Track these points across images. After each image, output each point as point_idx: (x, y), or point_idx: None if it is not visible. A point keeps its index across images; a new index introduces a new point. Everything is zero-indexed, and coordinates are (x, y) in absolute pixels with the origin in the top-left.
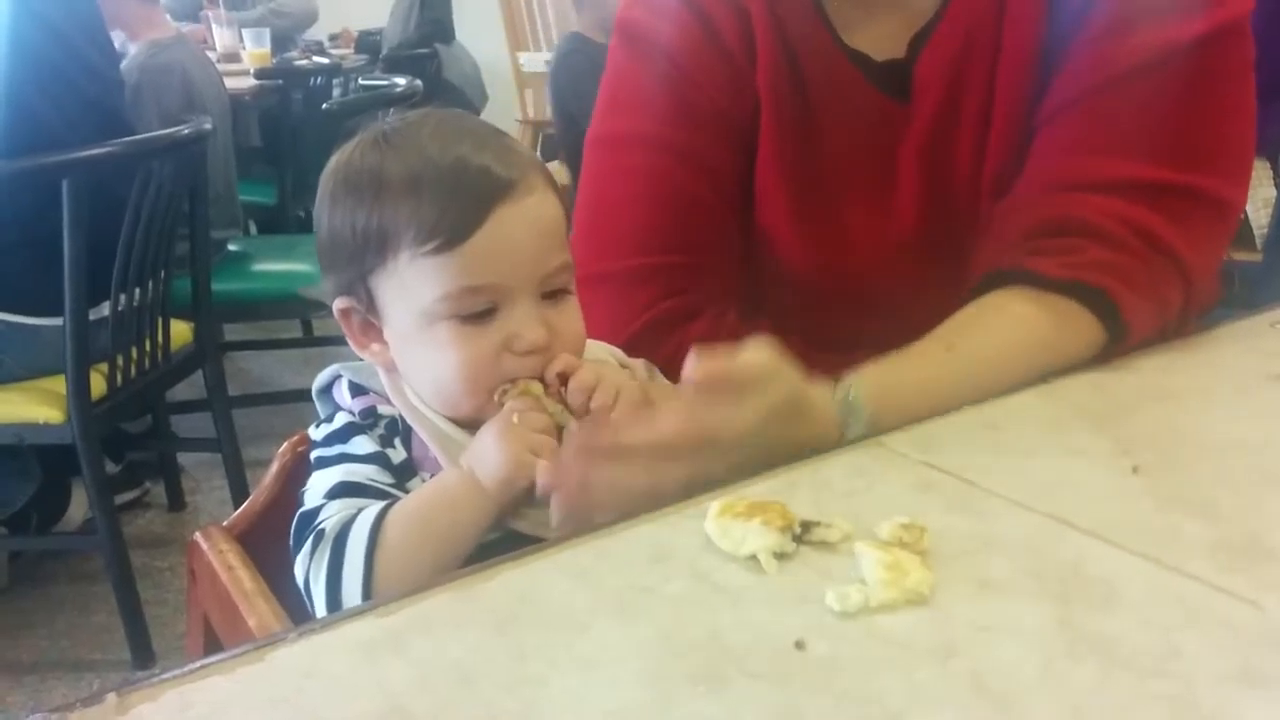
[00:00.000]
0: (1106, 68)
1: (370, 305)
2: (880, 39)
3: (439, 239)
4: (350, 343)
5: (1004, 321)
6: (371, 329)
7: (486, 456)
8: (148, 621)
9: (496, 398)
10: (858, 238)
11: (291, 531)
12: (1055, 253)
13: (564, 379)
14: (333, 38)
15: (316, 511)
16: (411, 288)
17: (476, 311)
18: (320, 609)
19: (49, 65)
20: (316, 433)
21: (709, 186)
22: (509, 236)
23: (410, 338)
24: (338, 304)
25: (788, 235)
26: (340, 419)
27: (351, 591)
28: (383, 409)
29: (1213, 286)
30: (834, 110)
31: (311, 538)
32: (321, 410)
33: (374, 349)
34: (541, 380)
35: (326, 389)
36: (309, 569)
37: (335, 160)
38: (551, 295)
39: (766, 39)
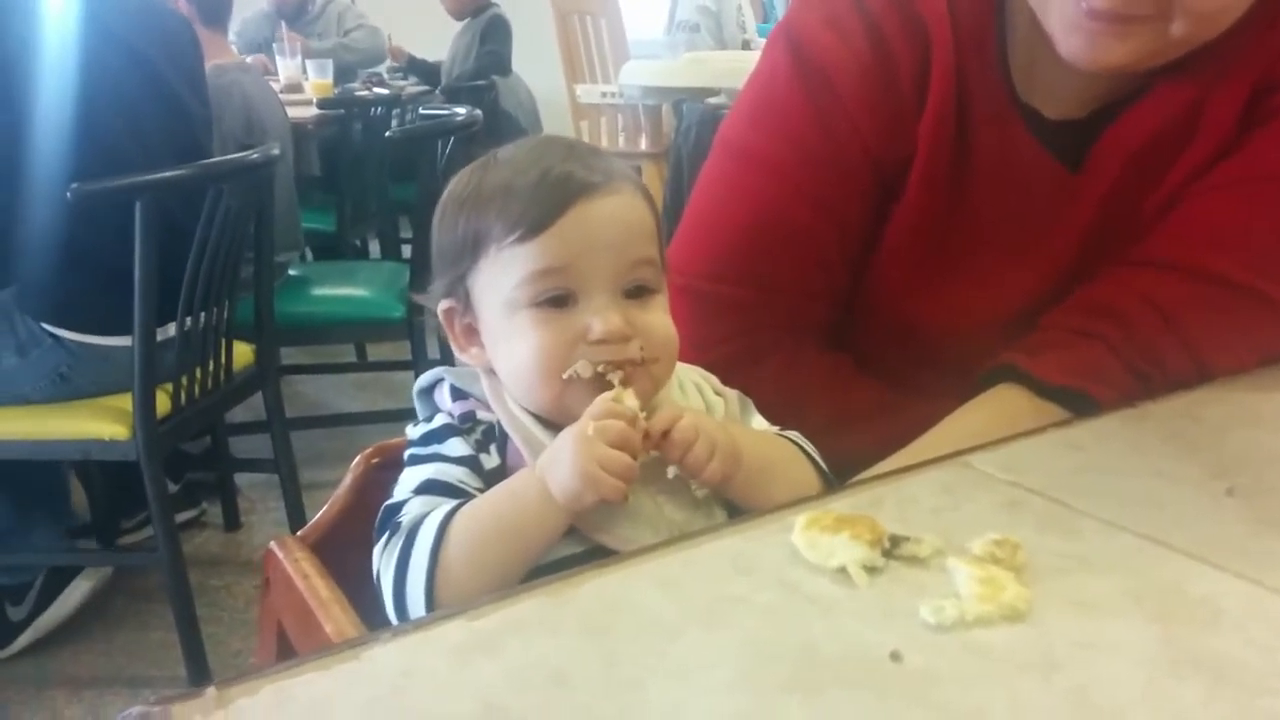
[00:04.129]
0: (1250, 165)
1: (467, 305)
2: (1061, 100)
3: (520, 230)
4: (453, 347)
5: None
6: (472, 333)
7: (558, 466)
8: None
9: (565, 375)
10: (987, 301)
11: (376, 522)
12: (1053, 349)
13: (665, 433)
14: (392, 70)
15: (401, 505)
16: (497, 279)
17: (552, 297)
18: (387, 600)
19: (128, 91)
20: (414, 431)
21: (827, 226)
22: (587, 228)
23: (497, 331)
24: (441, 305)
25: (909, 288)
26: (439, 420)
27: (415, 584)
28: (481, 415)
29: None
30: (995, 170)
31: (389, 529)
32: (421, 411)
33: (473, 352)
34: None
35: (428, 390)
36: (381, 559)
37: (450, 183)
38: (636, 295)
39: (942, 80)
